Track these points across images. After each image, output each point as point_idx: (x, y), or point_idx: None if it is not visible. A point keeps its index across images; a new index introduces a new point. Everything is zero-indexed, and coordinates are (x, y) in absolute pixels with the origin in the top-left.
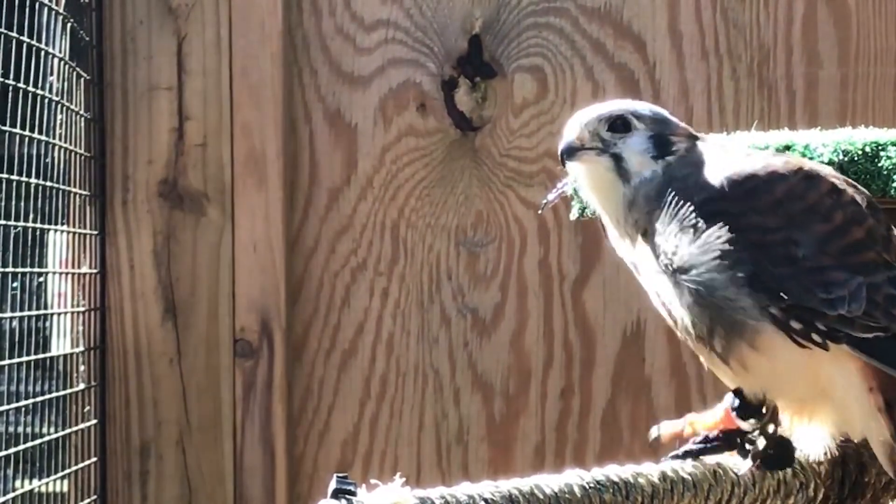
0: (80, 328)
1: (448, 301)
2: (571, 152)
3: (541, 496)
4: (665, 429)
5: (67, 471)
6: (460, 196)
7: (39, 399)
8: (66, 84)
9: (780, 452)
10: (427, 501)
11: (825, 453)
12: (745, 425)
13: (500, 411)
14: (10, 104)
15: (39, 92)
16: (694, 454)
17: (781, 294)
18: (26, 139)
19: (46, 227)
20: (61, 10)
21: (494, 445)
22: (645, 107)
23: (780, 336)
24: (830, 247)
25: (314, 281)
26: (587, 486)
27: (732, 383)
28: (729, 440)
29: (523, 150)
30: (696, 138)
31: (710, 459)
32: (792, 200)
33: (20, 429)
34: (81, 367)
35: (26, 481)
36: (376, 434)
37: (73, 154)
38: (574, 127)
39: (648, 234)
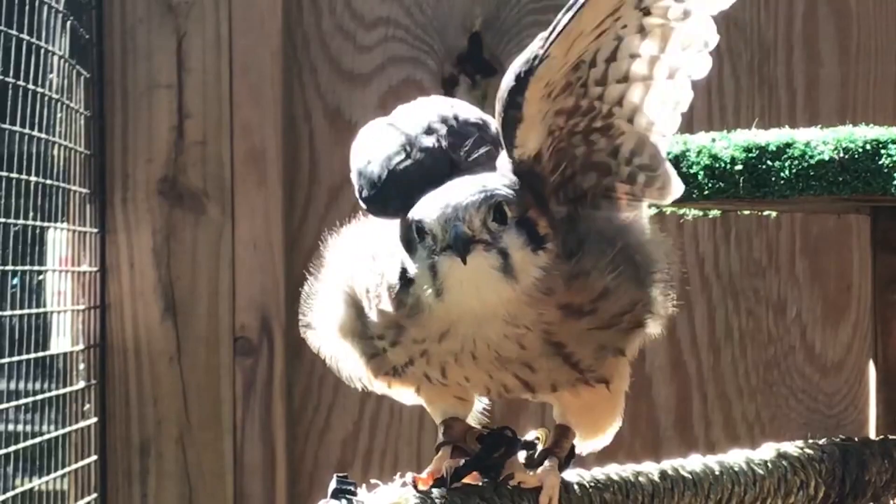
0: (80, 326)
1: None
2: (468, 243)
3: None
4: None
5: (67, 469)
6: None
7: (39, 397)
8: (65, 82)
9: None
10: (427, 501)
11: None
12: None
13: (501, 411)
14: (10, 102)
15: (39, 90)
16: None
17: None
18: (26, 137)
19: (46, 224)
20: (61, 8)
21: None
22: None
23: None
24: None
25: None
26: (587, 486)
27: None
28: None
29: None
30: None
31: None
32: None
33: (20, 427)
34: (81, 366)
35: (26, 479)
36: (376, 433)
37: (72, 152)
38: (468, 211)
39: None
